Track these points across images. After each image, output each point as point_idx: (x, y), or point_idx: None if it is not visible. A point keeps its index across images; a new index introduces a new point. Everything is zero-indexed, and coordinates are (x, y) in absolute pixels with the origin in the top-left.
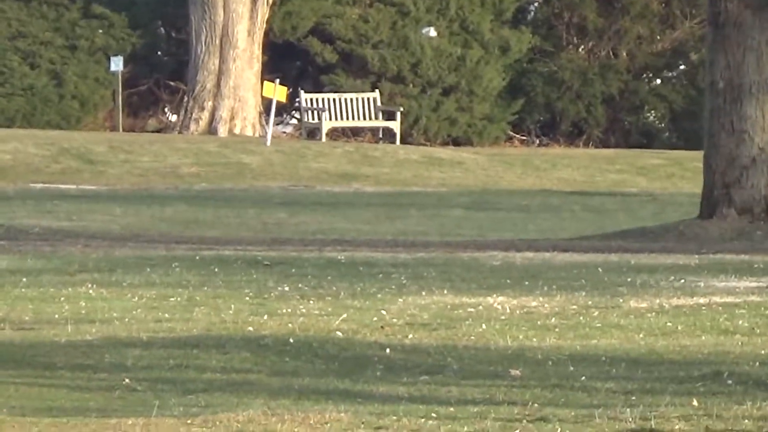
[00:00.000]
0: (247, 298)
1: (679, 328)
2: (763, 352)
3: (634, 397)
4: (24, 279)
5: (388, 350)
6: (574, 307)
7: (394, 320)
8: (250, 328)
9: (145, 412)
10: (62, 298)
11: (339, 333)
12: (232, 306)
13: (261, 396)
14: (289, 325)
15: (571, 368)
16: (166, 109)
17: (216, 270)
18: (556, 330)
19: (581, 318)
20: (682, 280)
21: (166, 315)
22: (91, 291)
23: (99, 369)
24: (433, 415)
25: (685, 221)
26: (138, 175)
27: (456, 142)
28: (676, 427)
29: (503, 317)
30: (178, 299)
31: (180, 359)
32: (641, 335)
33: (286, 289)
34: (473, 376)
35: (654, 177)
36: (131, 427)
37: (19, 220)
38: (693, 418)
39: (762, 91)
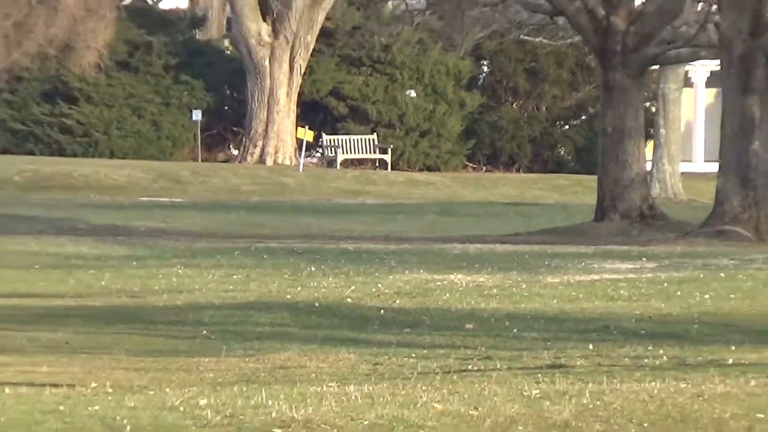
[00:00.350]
0: (286, 276)
1: (581, 296)
2: (637, 312)
3: (549, 343)
4: (134, 262)
5: (382, 311)
6: (509, 281)
7: (386, 290)
8: (288, 296)
9: (217, 353)
10: (160, 276)
11: (349, 299)
12: (276, 281)
13: (296, 342)
14: (315, 294)
15: (507, 323)
16: (230, 146)
17: (265, 256)
18: (497, 297)
19: (514, 289)
20: (583, 263)
21: (231, 287)
22: (179, 271)
23: (185, 324)
24: (413, 355)
25: (584, 223)
26: (211, 191)
27: (429, 169)
28: (578, 362)
29: (461, 288)
30: (239, 276)
31: (240, 317)
32: (555, 301)
33: (312, 269)
34: (440, 329)
35: (564, 193)
36: (207, 364)
37: (131, 222)
38: (589, 357)
39: (637, 134)
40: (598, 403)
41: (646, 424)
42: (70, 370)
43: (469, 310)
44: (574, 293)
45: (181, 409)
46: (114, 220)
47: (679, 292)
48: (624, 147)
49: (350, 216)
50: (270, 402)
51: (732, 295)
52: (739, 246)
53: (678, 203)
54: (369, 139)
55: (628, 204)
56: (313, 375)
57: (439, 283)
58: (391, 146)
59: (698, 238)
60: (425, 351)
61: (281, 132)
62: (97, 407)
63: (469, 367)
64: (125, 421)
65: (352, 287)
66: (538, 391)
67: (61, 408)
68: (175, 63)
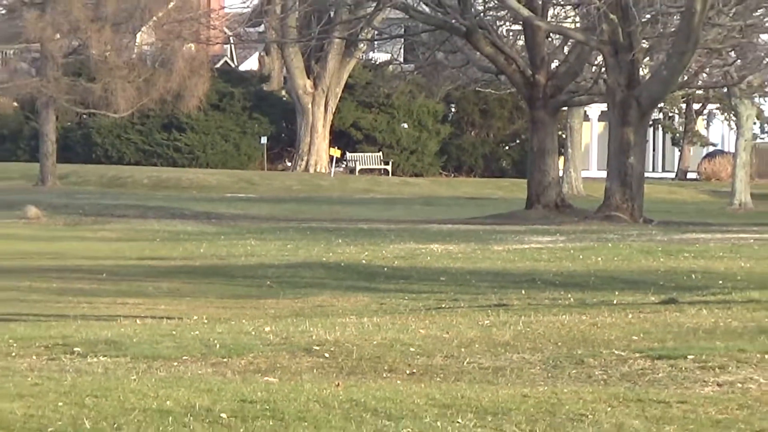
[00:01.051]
0: (322, 245)
1: (516, 258)
2: (553, 269)
3: (495, 290)
4: (222, 236)
5: (385, 269)
6: (469, 249)
7: (388, 255)
8: (323, 259)
9: (276, 297)
10: (239, 245)
11: (363, 261)
12: (315, 248)
13: (328, 289)
14: (341, 257)
15: (468, 277)
16: (286, 160)
17: (307, 233)
18: (461, 259)
19: (472, 254)
20: (517, 237)
21: (285, 253)
22: (252, 242)
23: (255, 277)
24: (406, 297)
25: (518, 211)
26: (273, 190)
27: (416, 175)
28: (515, 302)
29: (437, 254)
30: (291, 246)
31: (292, 273)
32: (499, 262)
33: (339, 241)
34: (424, 281)
35: (505, 191)
36: (270, 303)
37: (219, 210)
38: (522, 299)
39: (553, 152)
40: (528, 329)
41: (559, 343)
42: (179, 308)
43: (443, 268)
44: (512, 257)
45: (253, 333)
46: (208, 209)
47: (581, 256)
48: (544, 160)
49: (364, 206)
50: (311, 328)
51: (615, 258)
52: (620, 226)
53: (580, 198)
54: (377, 156)
55: (547, 198)
56: (340, 311)
57: (423, 250)
58: (391, 160)
59: (593, 221)
60: (414, 295)
61: (319, 151)
62: (197, 332)
63: (443, 305)
64: (215, 341)
65: (365, 253)
66: (488, 321)
67: (174, 333)
68: (249, 105)
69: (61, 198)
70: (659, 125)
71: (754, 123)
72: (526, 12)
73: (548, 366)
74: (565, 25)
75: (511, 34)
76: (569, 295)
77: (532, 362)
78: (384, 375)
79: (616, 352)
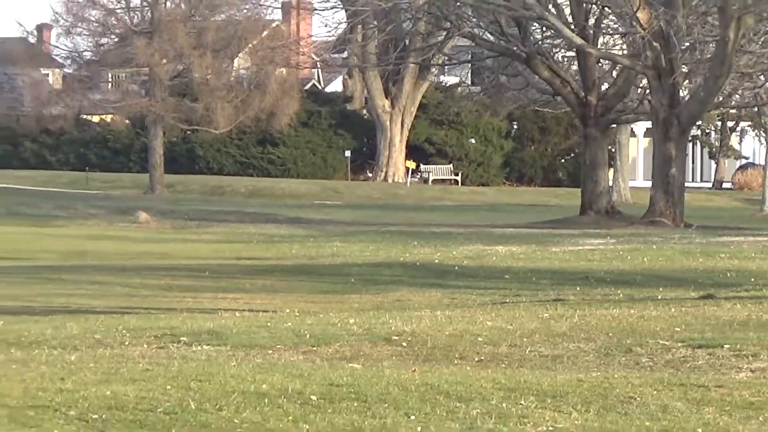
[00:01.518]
0: (400, 246)
1: (571, 258)
2: (605, 268)
3: (553, 286)
4: (311, 239)
5: (456, 267)
6: (530, 250)
7: (458, 255)
8: (401, 259)
9: (359, 292)
10: (326, 247)
11: (436, 260)
12: (393, 250)
13: (405, 286)
14: (416, 257)
15: (529, 275)
16: (367, 171)
17: (387, 236)
18: (522, 259)
19: (532, 254)
20: (572, 240)
21: (367, 253)
22: (337, 243)
23: (340, 275)
24: (474, 293)
25: (573, 216)
26: (356, 198)
27: (482, 185)
28: (571, 298)
29: (501, 254)
30: (372, 247)
31: (373, 271)
32: (556, 262)
33: (415, 243)
34: (490, 278)
35: (561, 199)
36: (353, 298)
37: (309, 215)
38: (577, 294)
39: (603, 164)
40: (582, 322)
41: (610, 334)
42: (273, 302)
43: (506, 267)
44: (567, 257)
45: (338, 324)
46: (298, 214)
47: (629, 257)
48: (596, 172)
49: (436, 212)
50: (390, 321)
51: (659, 258)
52: (663, 230)
53: (628, 205)
54: (447, 168)
55: (599, 205)
56: (416, 305)
57: (489, 251)
58: (460, 171)
59: (640, 225)
60: (481, 291)
61: (396, 163)
62: (289, 324)
63: (507, 300)
64: (306, 332)
65: (438, 253)
66: (547, 314)
67: (268, 324)
68: (334, 123)
69: (167, 204)
70: (697, 140)
71: None
72: (579, 40)
73: (600, 354)
74: (613, 51)
75: (565, 59)
76: (619, 291)
77: (586, 351)
78: (455, 362)
79: (661, 341)
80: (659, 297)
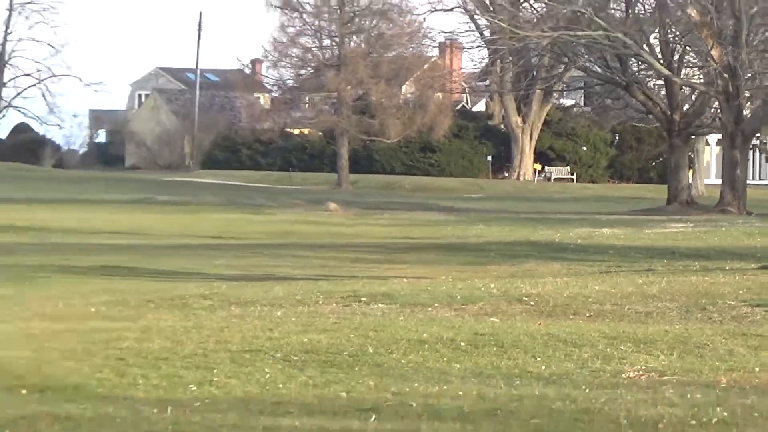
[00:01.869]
0: (529, 229)
1: (659, 238)
2: (686, 246)
3: (646, 259)
4: (460, 223)
5: (571, 245)
6: (628, 231)
7: (573, 235)
8: (530, 238)
9: (497, 264)
10: (471, 229)
11: (556, 239)
12: (524, 231)
13: (533, 259)
14: (541, 237)
15: (627, 250)
16: (504, 172)
17: (519, 221)
18: (623, 239)
19: (630, 235)
20: (661, 224)
21: (503, 234)
22: (480, 226)
23: (483, 251)
24: (585, 264)
25: (661, 206)
26: (495, 192)
27: (592, 182)
28: (659, 268)
29: (606, 235)
30: (507, 229)
31: (508, 248)
32: (648, 240)
33: (540, 226)
34: (598, 253)
35: (653, 193)
36: (497, 269)
37: (458, 205)
38: (665, 265)
39: (684, 166)
40: (668, 287)
41: (689, 296)
42: (431, 271)
43: (610, 245)
44: (657, 237)
45: (482, 288)
46: (451, 204)
47: (704, 237)
48: (679, 173)
49: (557, 203)
50: (522, 285)
51: (727, 238)
52: (730, 217)
53: (703, 198)
54: (565, 169)
55: (681, 198)
56: (541, 274)
57: (596, 232)
58: (575, 172)
59: (712, 213)
60: (590, 263)
61: (526, 165)
62: (444, 288)
63: (610, 270)
64: (457, 294)
65: (558, 234)
66: (641, 281)
67: (428, 288)
68: (478, 135)
69: (351, 197)
70: (757, 148)
71: None
72: (666, 71)
73: (682, 311)
74: (692, 80)
75: (656, 86)
76: (696, 264)
77: (671, 309)
78: (570, 317)
79: (728, 302)
80: (727, 268)
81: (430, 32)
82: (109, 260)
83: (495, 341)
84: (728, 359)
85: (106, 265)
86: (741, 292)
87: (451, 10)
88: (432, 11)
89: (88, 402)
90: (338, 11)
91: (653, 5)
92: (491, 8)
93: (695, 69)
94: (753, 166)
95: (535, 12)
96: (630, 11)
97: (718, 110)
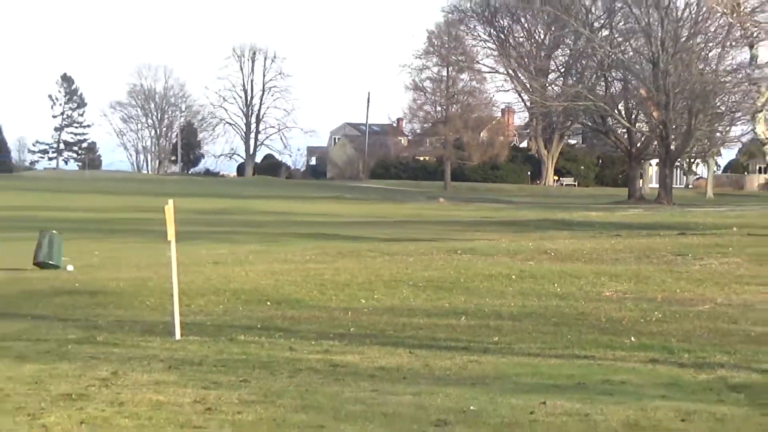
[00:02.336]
0: (551, 213)
1: (623, 217)
2: (638, 222)
3: (617, 229)
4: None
5: (575, 221)
6: (604, 213)
7: (575, 216)
8: (551, 218)
9: (532, 233)
10: (518, 214)
11: (566, 218)
12: (550, 214)
13: (558, 231)
14: (563, 217)
15: (606, 225)
16: (537, 181)
17: (516, 206)
18: (601, 217)
19: (607, 216)
20: (625, 210)
21: (540, 216)
22: (525, 211)
23: (522, 225)
24: (585, 234)
25: (624, 200)
26: (533, 191)
27: (586, 186)
28: (623, 233)
29: (595, 216)
30: (539, 212)
31: (539, 223)
32: (617, 219)
33: (560, 211)
34: (589, 228)
35: (619, 192)
36: (531, 236)
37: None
38: (624, 234)
39: (637, 177)
40: (629, 245)
41: (640, 250)
42: (496, 236)
43: (595, 221)
44: (622, 217)
45: (524, 245)
46: (508, 199)
47: (649, 217)
48: (634, 181)
49: (566, 198)
50: (546, 244)
51: (661, 217)
52: (663, 206)
53: (648, 195)
54: (571, 179)
55: (635, 195)
56: (557, 238)
57: (588, 214)
58: (576, 181)
59: (653, 204)
60: (585, 231)
61: (549, 177)
62: (504, 245)
63: (596, 235)
64: (511, 248)
65: (566, 215)
66: (614, 241)
67: (494, 245)
68: (523, 160)
69: (451, 195)
70: (678, 167)
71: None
72: (627, 124)
73: (636, 258)
74: (642, 129)
75: (621, 132)
76: (644, 232)
77: (630, 257)
78: (574, 261)
79: (661, 253)
80: (661, 234)
81: (496, 103)
82: (318, 230)
83: (531, 275)
84: (662, 285)
85: (316, 233)
86: (668, 247)
87: (507, 91)
88: (497, 91)
89: (304, 309)
90: (446, 91)
91: (621, 86)
92: (530, 89)
93: (644, 123)
94: (676, 177)
95: (554, 91)
96: (607, 90)
97: (657, 146)
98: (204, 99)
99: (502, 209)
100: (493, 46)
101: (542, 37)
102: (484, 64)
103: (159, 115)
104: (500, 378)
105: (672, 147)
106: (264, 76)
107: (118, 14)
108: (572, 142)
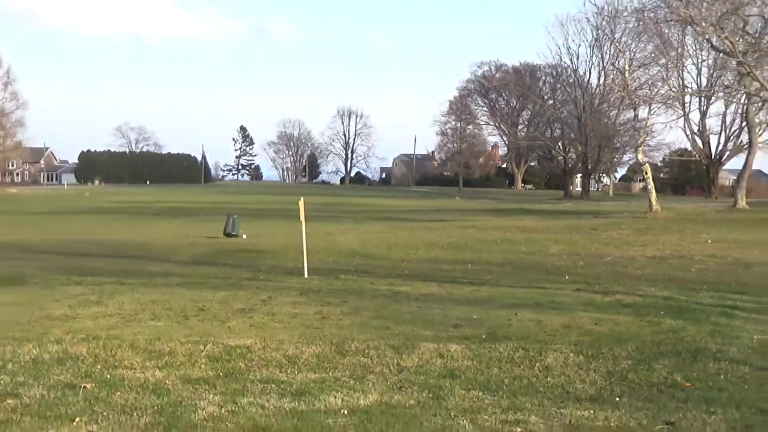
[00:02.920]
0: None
1: (562, 208)
2: (570, 210)
3: (560, 214)
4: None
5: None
6: (552, 206)
7: (541, 207)
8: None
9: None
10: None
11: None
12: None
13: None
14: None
15: (555, 213)
16: (512, 186)
17: (502, 200)
18: (551, 208)
19: (553, 206)
20: (563, 203)
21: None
22: (504, 203)
23: (582, 214)
24: (540, 218)
25: (562, 198)
26: (511, 193)
27: (540, 189)
28: (563, 215)
29: (539, 208)
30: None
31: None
32: (559, 208)
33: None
34: (557, 216)
35: (559, 192)
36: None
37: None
38: (568, 216)
39: (570, 183)
40: (568, 223)
41: (572, 226)
42: (490, 219)
43: (547, 210)
44: (562, 207)
45: (508, 225)
46: (496, 197)
47: (576, 207)
48: (568, 186)
49: (529, 197)
50: (519, 223)
51: (582, 207)
52: (585, 201)
53: (575, 194)
54: (531, 186)
55: (569, 194)
56: (526, 221)
57: (542, 206)
58: (535, 186)
59: (578, 200)
60: (543, 216)
61: (519, 184)
62: (498, 223)
63: (547, 218)
64: (500, 225)
65: (530, 206)
66: (560, 221)
67: (491, 224)
68: (502, 175)
69: (463, 195)
70: (592, 178)
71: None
72: (563, 154)
73: (570, 230)
74: (571, 155)
75: (561, 158)
76: (575, 215)
77: (570, 229)
78: (538, 233)
79: (585, 227)
80: (584, 217)
81: (488, 142)
82: (385, 215)
83: (508, 241)
84: (584, 246)
85: (385, 216)
86: (587, 224)
87: (494, 135)
88: (489, 135)
89: (378, 259)
90: (459, 135)
91: (560, 132)
92: (507, 134)
93: (573, 153)
94: (591, 184)
95: (521, 135)
96: (552, 134)
97: (580, 166)
98: (321, 139)
99: (491, 203)
100: (486, 110)
101: (515, 104)
102: (481, 120)
103: (295, 148)
104: (491, 300)
105: (589, 167)
106: (356, 126)
107: (273, 89)
108: (532, 164)
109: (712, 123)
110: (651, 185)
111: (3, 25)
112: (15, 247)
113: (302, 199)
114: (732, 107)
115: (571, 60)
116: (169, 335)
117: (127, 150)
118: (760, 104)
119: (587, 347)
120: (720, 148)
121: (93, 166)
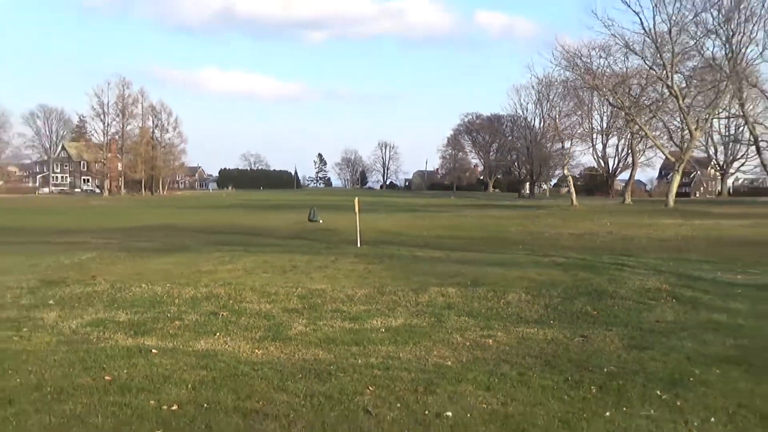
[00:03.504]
0: None
1: (523, 204)
2: (531, 204)
3: (522, 208)
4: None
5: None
6: (517, 203)
7: (518, 202)
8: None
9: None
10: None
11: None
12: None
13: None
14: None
15: (520, 207)
16: (485, 190)
17: (485, 199)
18: (520, 204)
19: (515, 202)
20: (525, 200)
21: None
22: (484, 200)
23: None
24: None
25: (521, 197)
26: (486, 195)
27: (507, 193)
28: (543, 211)
29: (521, 203)
30: None
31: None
32: (519, 204)
33: None
34: (528, 208)
35: (518, 194)
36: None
37: None
38: (526, 211)
39: (525, 188)
40: (533, 214)
41: (533, 215)
42: (484, 211)
43: (518, 205)
44: (522, 204)
45: (495, 215)
46: (485, 200)
47: (530, 203)
48: (522, 190)
49: (500, 199)
50: (497, 214)
51: (539, 204)
52: (538, 200)
53: (527, 197)
54: (497, 189)
55: (524, 196)
56: (504, 213)
57: (513, 203)
58: (501, 190)
59: (530, 199)
60: (517, 210)
61: (491, 188)
62: (492, 213)
63: (519, 212)
64: (496, 213)
65: (505, 204)
66: (531, 213)
67: (489, 213)
68: (475, 181)
69: (455, 197)
70: (537, 185)
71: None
72: (522, 172)
73: (537, 218)
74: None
75: (519, 172)
76: (535, 210)
77: (537, 218)
78: (521, 220)
79: (542, 217)
80: (530, 209)
81: (472, 164)
82: (409, 208)
83: (486, 223)
84: (531, 227)
85: (408, 209)
86: (532, 214)
87: (476, 159)
88: (473, 159)
89: (403, 236)
90: (454, 159)
91: (516, 156)
92: (483, 158)
93: (525, 170)
94: (536, 188)
95: (493, 159)
96: (512, 158)
97: (528, 177)
98: (368, 161)
99: (474, 201)
100: (470, 143)
101: (488, 139)
102: (467, 149)
103: (352, 167)
104: (476, 261)
105: (534, 178)
106: (389, 152)
107: (339, 128)
108: (499, 176)
109: (610, 150)
110: (572, 189)
111: (172, 87)
112: (180, 228)
113: (357, 198)
114: (622, 141)
115: (522, 112)
116: (274, 282)
117: (249, 167)
118: (639, 139)
119: (533, 289)
120: (614, 166)
121: (228, 178)
